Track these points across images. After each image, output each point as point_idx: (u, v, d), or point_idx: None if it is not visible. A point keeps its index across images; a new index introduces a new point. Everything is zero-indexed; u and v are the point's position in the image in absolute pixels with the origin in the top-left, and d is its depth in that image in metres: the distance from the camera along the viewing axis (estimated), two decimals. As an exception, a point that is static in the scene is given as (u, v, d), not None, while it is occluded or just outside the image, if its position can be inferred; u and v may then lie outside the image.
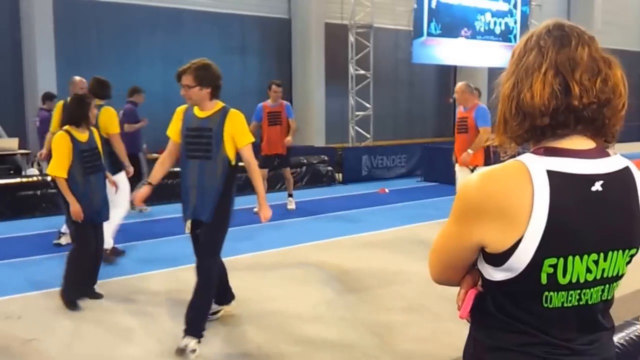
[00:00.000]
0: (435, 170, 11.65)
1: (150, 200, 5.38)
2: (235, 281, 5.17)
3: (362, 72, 14.28)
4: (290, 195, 8.95)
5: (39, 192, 8.25)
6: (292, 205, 8.82)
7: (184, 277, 5.40)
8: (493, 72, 15.62)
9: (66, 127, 4.71)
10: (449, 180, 11.23)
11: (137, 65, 12.27)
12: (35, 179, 8.64)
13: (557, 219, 1.19)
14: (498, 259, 1.24)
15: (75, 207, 4.53)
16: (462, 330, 4.49)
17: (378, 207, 9.14)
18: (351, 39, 14.27)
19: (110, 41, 11.86)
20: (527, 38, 1.33)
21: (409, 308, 4.58)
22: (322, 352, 3.81)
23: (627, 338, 2.62)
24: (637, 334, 2.65)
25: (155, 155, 12.29)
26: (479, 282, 1.35)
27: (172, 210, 8.75)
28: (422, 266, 5.92)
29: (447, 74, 17.86)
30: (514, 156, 1.30)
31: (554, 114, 1.23)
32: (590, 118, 1.25)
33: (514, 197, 1.20)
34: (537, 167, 1.22)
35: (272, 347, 3.88)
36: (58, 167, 4.58)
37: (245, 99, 13.80)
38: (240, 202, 8.94)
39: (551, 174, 1.21)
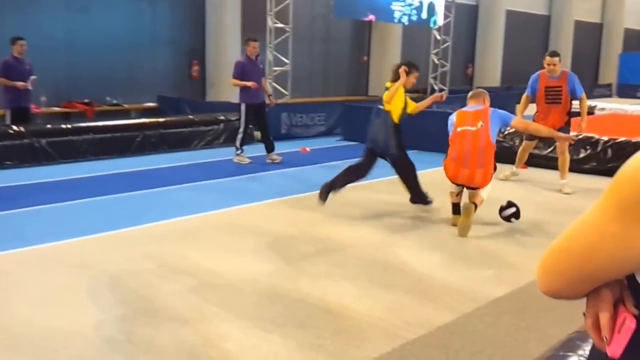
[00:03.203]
0: (356, 129, 11.43)
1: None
2: (164, 249, 4.74)
3: (281, 25, 13.70)
4: None
5: None
6: None
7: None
8: (407, 28, 15.57)
9: None
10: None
11: (37, 12, 11.05)
12: None
13: None
14: None
15: None
16: (415, 302, 4.24)
17: (303, 167, 8.84)
18: (269, -11, 13.62)
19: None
20: None
21: (349, 277, 4.35)
22: (264, 327, 3.49)
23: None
24: None
25: (55, 108, 11.28)
26: (629, 303, 0.93)
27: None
28: (361, 232, 5.74)
29: (362, 30, 17.62)
30: None
31: None
32: None
33: None
34: None
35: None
36: None
37: (156, 49, 12.92)
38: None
39: None
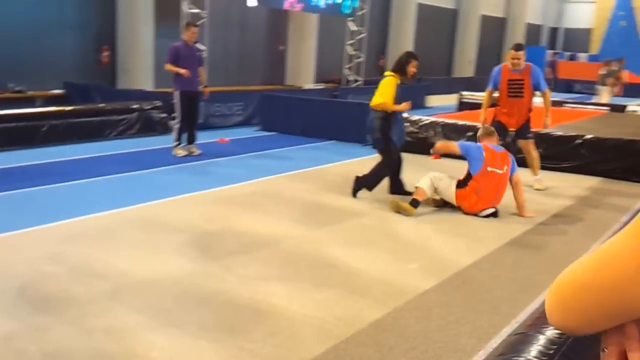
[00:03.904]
0: (274, 119, 11.32)
1: None
2: (76, 250, 4.42)
3: (196, 10, 13.23)
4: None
5: None
6: None
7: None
8: (324, 18, 15.45)
9: None
10: (288, 129, 11.04)
11: None
12: None
13: None
14: None
15: None
16: (346, 298, 4.18)
17: (221, 158, 8.61)
18: (183, -28, 13.09)
19: None
20: None
21: (276, 274, 4.25)
22: (190, 332, 3.32)
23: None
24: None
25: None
26: None
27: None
28: (284, 226, 5.63)
29: (279, 18, 17.41)
30: None
31: None
32: None
33: None
34: None
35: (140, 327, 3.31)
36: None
37: (62, 32, 12.14)
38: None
39: None
